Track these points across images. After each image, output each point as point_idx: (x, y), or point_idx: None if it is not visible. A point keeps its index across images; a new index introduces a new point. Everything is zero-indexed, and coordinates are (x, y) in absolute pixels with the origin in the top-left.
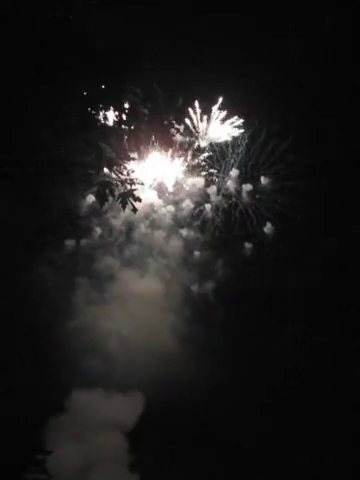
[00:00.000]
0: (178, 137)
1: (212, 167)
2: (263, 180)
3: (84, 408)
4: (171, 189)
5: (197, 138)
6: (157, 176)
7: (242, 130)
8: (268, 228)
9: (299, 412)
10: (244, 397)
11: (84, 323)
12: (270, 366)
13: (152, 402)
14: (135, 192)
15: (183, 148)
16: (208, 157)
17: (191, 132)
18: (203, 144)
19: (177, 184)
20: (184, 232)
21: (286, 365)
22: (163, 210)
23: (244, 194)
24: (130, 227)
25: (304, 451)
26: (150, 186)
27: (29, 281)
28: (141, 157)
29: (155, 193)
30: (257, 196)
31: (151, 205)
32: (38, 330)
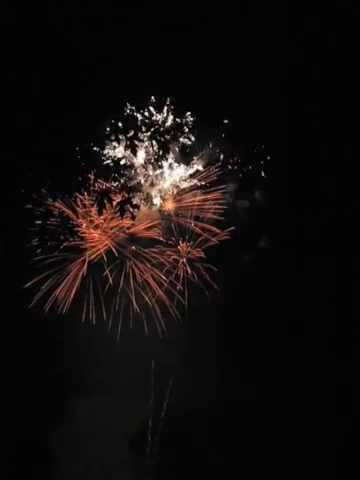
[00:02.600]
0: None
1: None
2: (257, 195)
3: (88, 416)
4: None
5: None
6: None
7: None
8: (264, 240)
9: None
10: (247, 405)
11: (88, 334)
12: (275, 376)
13: (156, 410)
14: (133, 199)
15: (180, 161)
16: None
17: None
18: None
19: (178, 198)
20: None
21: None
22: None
23: (240, 210)
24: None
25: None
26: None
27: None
28: (138, 166)
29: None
30: (252, 210)
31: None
32: (41, 343)
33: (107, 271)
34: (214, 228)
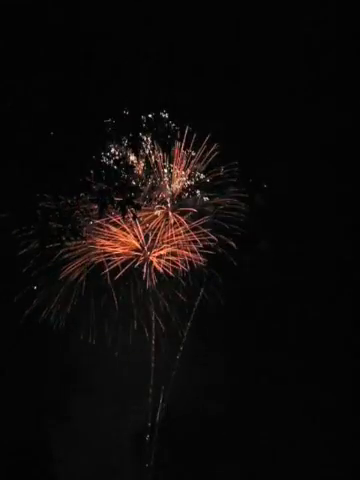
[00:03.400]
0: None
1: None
2: (257, 198)
3: (88, 416)
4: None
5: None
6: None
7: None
8: (264, 244)
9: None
10: (247, 405)
11: (89, 335)
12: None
13: (156, 410)
14: (134, 200)
15: (183, 164)
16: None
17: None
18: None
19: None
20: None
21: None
22: None
23: (240, 213)
24: None
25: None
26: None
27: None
28: (140, 165)
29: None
30: (252, 213)
31: None
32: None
33: (108, 275)
34: (224, 236)
